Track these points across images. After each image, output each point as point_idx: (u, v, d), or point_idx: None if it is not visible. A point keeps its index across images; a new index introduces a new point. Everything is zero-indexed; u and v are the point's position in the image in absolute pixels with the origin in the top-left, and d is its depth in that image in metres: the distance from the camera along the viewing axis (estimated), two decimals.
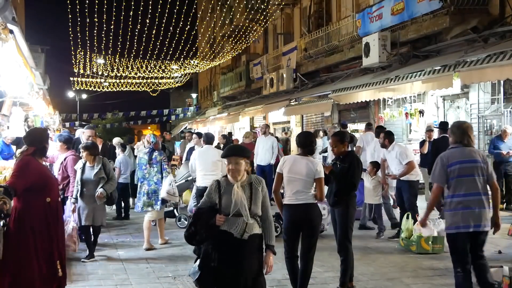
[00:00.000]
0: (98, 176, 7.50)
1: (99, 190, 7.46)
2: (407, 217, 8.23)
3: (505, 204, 11.65)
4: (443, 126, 10.12)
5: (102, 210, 7.74)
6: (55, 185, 5.23)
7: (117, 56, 27.93)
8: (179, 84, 37.71)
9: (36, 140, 5.19)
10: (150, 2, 20.80)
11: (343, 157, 5.99)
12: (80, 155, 7.75)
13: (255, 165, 13.63)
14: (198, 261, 4.45)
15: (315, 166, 5.52)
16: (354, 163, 5.87)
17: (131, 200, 12.43)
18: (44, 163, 7.16)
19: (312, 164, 5.52)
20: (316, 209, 5.58)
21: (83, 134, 9.54)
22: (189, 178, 10.38)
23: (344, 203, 5.89)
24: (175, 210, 10.36)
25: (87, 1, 18.81)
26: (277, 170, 5.72)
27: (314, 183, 5.52)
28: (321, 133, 16.86)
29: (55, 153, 8.47)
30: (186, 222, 10.19)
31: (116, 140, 13.02)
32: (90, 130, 9.72)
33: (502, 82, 12.72)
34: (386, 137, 8.95)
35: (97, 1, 19.07)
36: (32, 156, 5.06)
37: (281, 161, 5.74)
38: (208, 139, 9.50)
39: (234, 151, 4.36)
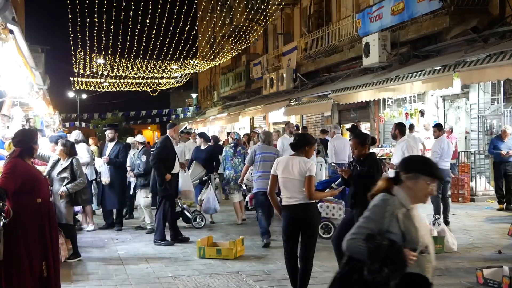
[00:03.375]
0: (60, 175, 7.39)
1: (62, 188, 7.36)
2: None
3: (505, 204, 11.63)
4: (353, 129, 10.80)
5: (66, 208, 7.47)
6: (44, 185, 5.17)
7: (117, 56, 27.97)
8: (179, 84, 37.72)
9: (22, 141, 5.16)
10: (150, 2, 20.83)
11: (363, 160, 5.97)
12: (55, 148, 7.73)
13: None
14: None
15: (307, 164, 5.47)
16: (373, 166, 5.85)
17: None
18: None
19: (304, 163, 5.48)
20: (314, 209, 5.57)
21: (173, 132, 9.34)
22: (204, 178, 10.57)
23: (362, 204, 5.89)
24: (185, 212, 10.36)
25: (87, 1, 18.83)
26: (271, 172, 5.71)
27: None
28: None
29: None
30: (202, 222, 10.25)
31: (131, 139, 12.66)
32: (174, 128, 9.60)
33: (502, 82, 12.72)
34: (398, 128, 8.96)
35: (97, 1, 19.10)
36: (19, 157, 5.04)
37: (275, 163, 5.72)
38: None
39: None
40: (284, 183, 5.53)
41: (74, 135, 10.20)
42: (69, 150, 7.61)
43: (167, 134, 9.30)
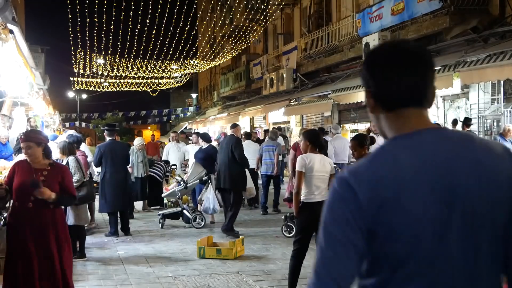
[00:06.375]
0: None
1: None
2: None
3: None
4: (321, 131, 13.12)
5: (74, 209, 7.48)
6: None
7: (117, 56, 27.98)
8: (179, 84, 37.71)
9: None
10: (150, 2, 20.84)
11: None
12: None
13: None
14: None
15: (331, 162, 5.99)
16: None
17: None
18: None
19: (328, 160, 5.98)
20: None
21: (237, 131, 10.00)
22: (204, 178, 10.49)
23: None
24: (185, 211, 10.36)
25: (87, 1, 18.83)
26: (298, 168, 5.77)
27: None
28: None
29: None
30: (202, 222, 10.22)
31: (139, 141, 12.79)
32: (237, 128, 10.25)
33: (502, 82, 12.71)
34: None
35: (97, 1, 19.10)
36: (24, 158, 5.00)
37: (302, 160, 5.78)
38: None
39: None
40: (315, 180, 5.74)
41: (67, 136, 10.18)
42: (63, 151, 7.69)
43: (232, 133, 9.91)
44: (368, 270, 1.52)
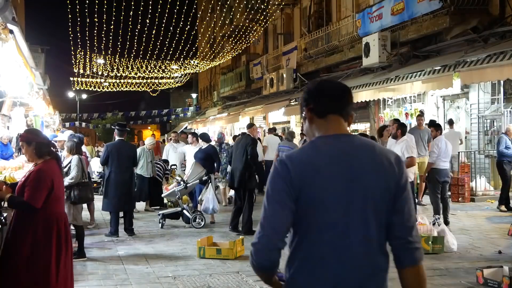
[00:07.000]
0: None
1: None
2: None
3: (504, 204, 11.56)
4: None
5: (68, 208, 7.33)
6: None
7: (117, 56, 27.99)
8: (179, 84, 37.73)
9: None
10: (150, 2, 20.85)
11: None
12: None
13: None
14: None
15: None
16: None
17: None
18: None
19: None
20: None
21: (253, 131, 10.25)
22: (204, 178, 10.46)
23: None
24: (185, 211, 10.36)
25: (87, 1, 18.84)
26: None
27: None
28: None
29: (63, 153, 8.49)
30: (202, 222, 10.22)
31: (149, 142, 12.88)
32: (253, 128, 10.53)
33: (502, 82, 12.72)
34: (399, 128, 8.92)
35: (97, 1, 19.11)
36: None
37: None
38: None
39: None
40: None
41: (69, 136, 10.15)
42: (69, 150, 7.88)
43: (248, 133, 10.08)
44: (293, 231, 2.17)
